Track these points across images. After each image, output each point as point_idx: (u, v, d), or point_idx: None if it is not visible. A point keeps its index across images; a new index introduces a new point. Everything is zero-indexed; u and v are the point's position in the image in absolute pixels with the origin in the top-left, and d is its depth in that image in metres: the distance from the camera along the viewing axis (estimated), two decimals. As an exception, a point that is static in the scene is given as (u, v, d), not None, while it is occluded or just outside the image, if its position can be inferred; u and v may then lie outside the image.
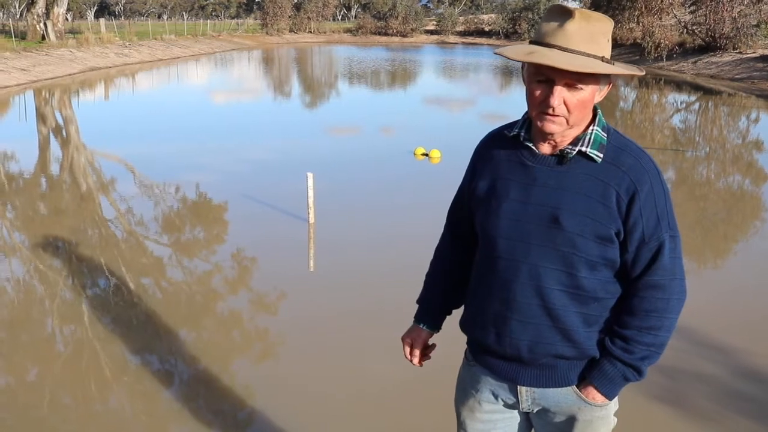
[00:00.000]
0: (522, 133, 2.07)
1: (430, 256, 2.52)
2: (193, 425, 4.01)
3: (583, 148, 1.98)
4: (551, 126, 1.95)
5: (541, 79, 1.93)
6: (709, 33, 34.71)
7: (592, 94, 1.94)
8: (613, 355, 2.05)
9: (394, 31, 73.86)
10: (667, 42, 36.08)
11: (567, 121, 1.95)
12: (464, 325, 2.29)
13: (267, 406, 4.20)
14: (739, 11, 33.60)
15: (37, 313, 5.62)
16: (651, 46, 36.35)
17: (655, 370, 4.41)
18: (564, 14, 1.90)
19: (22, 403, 4.25)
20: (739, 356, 4.84)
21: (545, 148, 2.04)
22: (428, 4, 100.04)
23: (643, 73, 2.19)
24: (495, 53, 2.14)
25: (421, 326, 2.45)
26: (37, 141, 14.75)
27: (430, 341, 2.48)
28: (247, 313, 5.73)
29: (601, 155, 1.98)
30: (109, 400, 4.28)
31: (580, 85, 1.91)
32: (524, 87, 2.01)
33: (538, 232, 2.00)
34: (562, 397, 2.13)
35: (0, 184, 10.10)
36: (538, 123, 1.97)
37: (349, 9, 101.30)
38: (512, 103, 22.87)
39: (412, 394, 4.29)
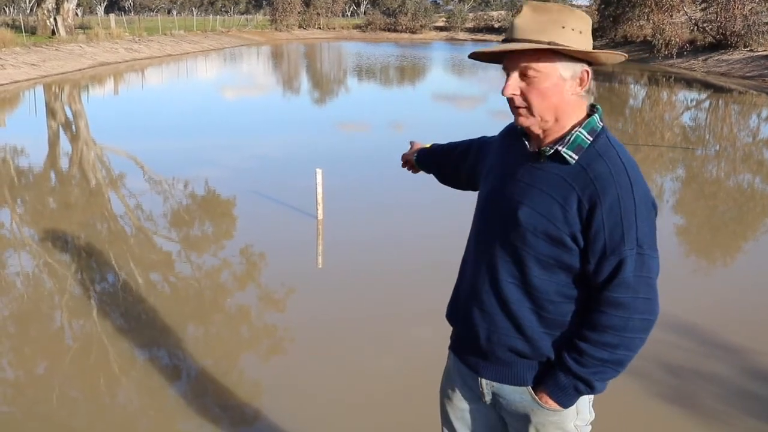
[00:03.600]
0: (522, 128, 2.10)
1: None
2: (200, 420, 4.01)
3: (560, 148, 1.95)
4: (521, 119, 1.98)
5: (506, 73, 1.96)
6: (720, 30, 34.52)
7: (553, 85, 1.92)
8: (566, 366, 2.01)
9: (404, 27, 73.79)
10: (677, 39, 35.89)
11: (531, 113, 1.95)
12: (447, 310, 2.33)
13: (274, 403, 4.20)
14: (751, 9, 33.40)
15: (46, 308, 5.64)
16: (661, 44, 36.18)
17: (661, 368, 4.43)
18: (515, 12, 1.96)
19: (31, 397, 4.27)
20: (746, 355, 4.81)
21: (532, 144, 2.05)
22: (438, 1, 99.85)
23: (623, 57, 2.08)
24: (468, 56, 2.20)
25: (415, 154, 2.82)
26: (47, 136, 14.79)
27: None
28: (255, 310, 5.74)
29: (576, 157, 1.94)
30: (117, 395, 4.29)
31: (530, 72, 1.90)
32: None
33: (500, 224, 2.05)
34: (517, 396, 2.13)
35: (10, 179, 10.14)
36: (514, 117, 2.02)
37: (358, 5, 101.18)
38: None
39: (417, 393, 4.28)
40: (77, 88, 23.04)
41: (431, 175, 2.79)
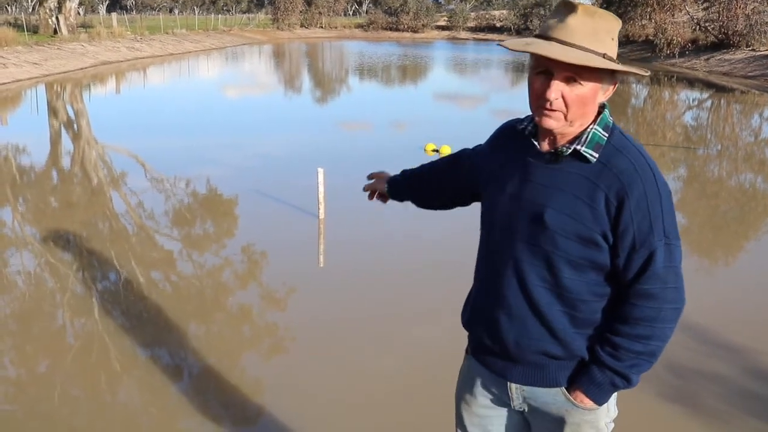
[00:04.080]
0: (529, 128, 2.07)
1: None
2: (202, 419, 4.02)
3: (579, 147, 1.94)
4: (549, 121, 1.92)
5: (541, 71, 1.91)
6: (722, 30, 34.50)
7: (592, 91, 1.91)
8: (601, 361, 2.01)
9: (405, 26, 73.77)
10: (679, 39, 35.87)
11: (565, 117, 1.91)
12: (462, 318, 2.30)
13: (276, 401, 4.20)
14: (753, 8, 33.39)
15: (48, 306, 5.64)
16: (663, 43, 36.16)
17: (663, 368, 4.42)
18: (567, 9, 1.89)
19: (32, 395, 4.27)
20: (749, 355, 4.81)
21: (545, 145, 2.01)
22: (439, 0, 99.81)
23: (648, 74, 2.16)
24: (497, 44, 2.14)
25: (385, 184, 2.72)
26: (49, 134, 14.80)
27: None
28: (256, 308, 5.74)
29: (596, 155, 1.93)
30: (118, 394, 4.29)
31: (579, 80, 1.88)
32: None
33: (524, 228, 2.00)
34: (550, 398, 2.11)
35: (12, 177, 10.14)
36: (537, 118, 1.96)
37: (360, 4, 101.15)
38: (523, 100, 22.82)
39: (418, 392, 4.28)
40: (79, 87, 23.05)
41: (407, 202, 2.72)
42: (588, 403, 2.06)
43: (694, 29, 38.04)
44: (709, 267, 7.06)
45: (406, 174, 2.66)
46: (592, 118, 1.97)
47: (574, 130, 1.96)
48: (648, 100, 23.73)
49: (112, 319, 5.32)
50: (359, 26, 78.20)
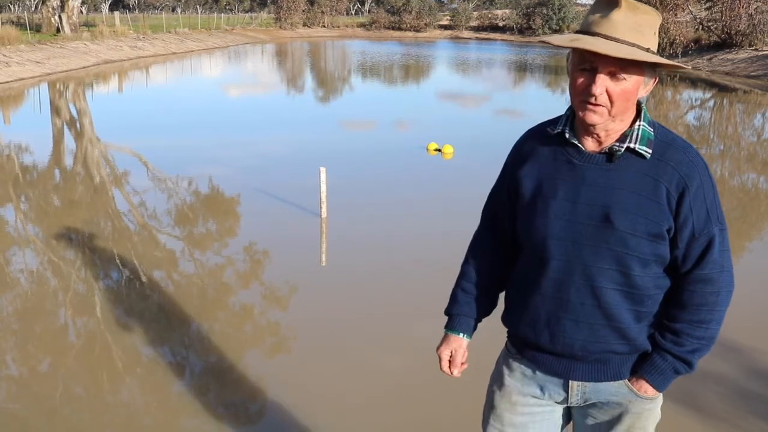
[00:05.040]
0: (567, 130, 2.04)
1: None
2: (204, 418, 4.02)
3: (632, 145, 1.95)
4: (592, 116, 1.92)
5: (585, 68, 1.91)
6: (725, 29, 34.48)
7: (635, 85, 1.92)
8: (664, 348, 2.05)
9: (408, 26, 73.72)
10: (682, 38, 35.81)
11: (609, 112, 1.92)
12: (509, 321, 2.26)
13: (278, 400, 4.20)
14: (756, 8, 33.36)
15: (50, 305, 5.64)
16: (666, 43, 36.08)
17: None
18: (610, 4, 1.90)
19: (35, 393, 4.28)
20: (752, 355, 4.80)
21: (591, 145, 2.01)
22: (442, 0, 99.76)
23: (689, 67, 2.18)
24: (540, 41, 2.14)
25: (460, 335, 2.31)
26: (52, 133, 14.81)
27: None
28: (258, 307, 5.74)
29: (650, 151, 1.95)
30: (121, 392, 4.29)
31: (623, 75, 1.89)
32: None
33: (590, 231, 1.98)
34: (613, 390, 2.12)
35: (14, 176, 10.15)
36: (580, 113, 1.95)
37: (362, 3, 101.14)
38: (526, 100, 22.82)
39: (423, 390, 4.28)
40: (82, 86, 23.07)
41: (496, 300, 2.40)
42: (651, 391, 2.10)
43: (697, 29, 38.01)
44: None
45: (469, 303, 2.33)
46: (633, 113, 1.99)
47: (615, 126, 1.97)
48: (651, 99, 23.69)
49: (115, 318, 5.32)
50: (362, 25, 78.17)
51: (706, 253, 1.97)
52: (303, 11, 71.90)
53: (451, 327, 2.33)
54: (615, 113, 1.92)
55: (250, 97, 22.11)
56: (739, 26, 33.37)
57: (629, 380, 2.11)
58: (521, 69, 34.29)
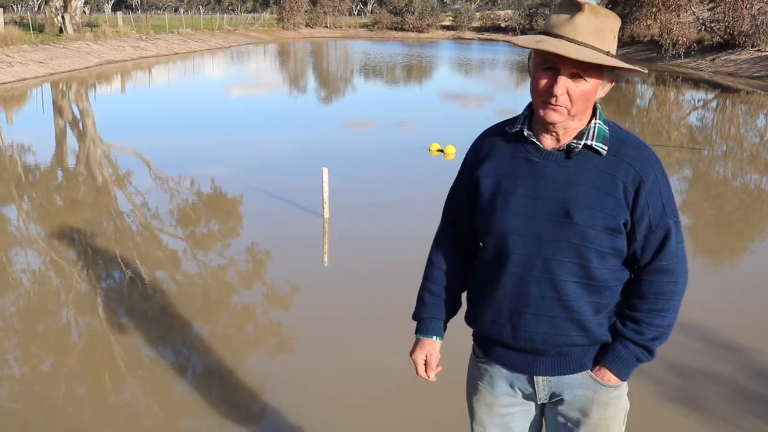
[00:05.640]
0: (525, 128, 2.09)
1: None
2: (206, 418, 4.02)
3: (589, 142, 2.02)
4: (553, 115, 1.98)
5: (547, 68, 1.97)
6: (728, 30, 34.41)
7: (594, 87, 1.99)
8: (625, 337, 2.11)
9: (410, 26, 73.80)
10: (684, 39, 35.78)
11: (568, 112, 1.98)
12: (472, 320, 2.29)
13: (280, 401, 4.20)
14: (759, 8, 33.29)
15: (53, 305, 5.65)
16: (668, 44, 36.08)
17: (668, 370, 4.42)
18: (574, 7, 1.96)
19: (37, 393, 4.28)
20: (754, 356, 4.79)
21: (549, 143, 2.06)
22: (444, 0, 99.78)
23: (646, 71, 2.24)
24: (505, 41, 2.20)
25: (433, 338, 2.38)
26: (54, 133, 14.83)
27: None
28: (261, 308, 5.74)
29: (606, 148, 2.02)
30: (122, 392, 4.29)
31: (584, 77, 1.95)
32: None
33: (550, 226, 2.03)
34: (577, 382, 2.17)
35: (17, 176, 10.16)
36: (541, 111, 2.01)
37: (365, 4, 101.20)
38: (528, 100, 22.81)
39: (424, 390, 4.27)
40: (84, 86, 23.09)
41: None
42: (614, 379, 2.14)
43: (700, 29, 37.95)
44: (714, 267, 7.04)
45: (438, 305, 2.38)
46: (590, 113, 2.07)
47: (573, 125, 2.03)
48: (653, 100, 23.68)
49: (117, 318, 5.33)
50: (364, 26, 78.24)
51: (663, 245, 2.05)
52: (305, 12, 72.00)
53: (423, 331, 2.40)
54: (574, 113, 1.99)
55: (253, 97, 22.13)
56: (741, 27, 33.31)
57: (592, 370, 2.15)
58: (523, 69, 34.26)
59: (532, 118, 2.10)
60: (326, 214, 7.77)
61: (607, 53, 1.95)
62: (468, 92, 24.92)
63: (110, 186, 9.94)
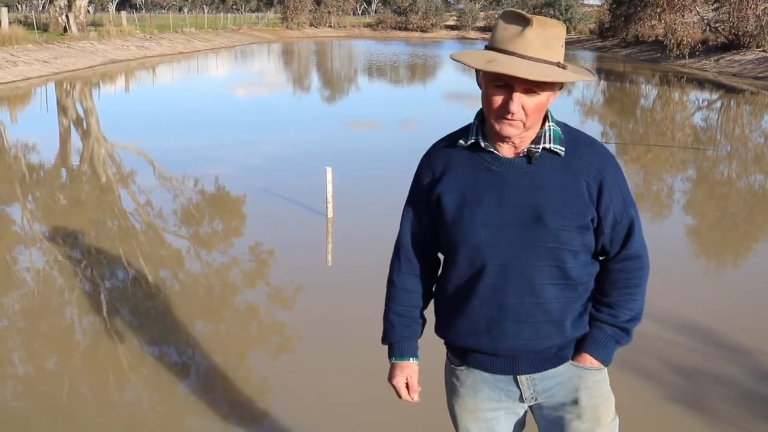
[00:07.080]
0: (480, 139, 2.09)
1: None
2: (209, 417, 4.02)
3: (547, 145, 2.05)
4: (509, 129, 1.99)
5: (500, 85, 1.96)
6: (733, 31, 34.30)
7: (548, 98, 2.01)
8: (601, 321, 2.16)
9: (414, 26, 73.72)
10: (689, 40, 35.67)
11: (524, 125, 1.99)
12: (445, 332, 2.27)
13: (283, 400, 4.20)
14: (764, 9, 33.18)
15: (56, 304, 5.66)
16: (673, 44, 35.96)
17: (670, 370, 4.42)
18: (522, 21, 1.95)
19: (40, 392, 4.29)
20: (757, 357, 4.78)
21: (507, 151, 2.07)
22: (449, 0, 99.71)
23: (594, 77, 2.27)
24: (451, 57, 2.16)
25: (410, 360, 2.36)
26: (58, 132, 14.86)
27: None
28: (264, 307, 5.75)
29: (563, 149, 2.06)
30: (126, 391, 4.30)
31: (537, 91, 1.96)
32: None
33: (522, 233, 2.04)
34: (560, 374, 2.19)
35: (21, 175, 10.18)
36: (496, 126, 2.01)
37: (369, 4, 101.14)
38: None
39: (425, 390, 4.27)
40: (88, 85, 23.13)
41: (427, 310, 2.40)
42: (596, 363, 2.18)
43: (704, 30, 37.84)
44: (718, 268, 7.03)
45: (410, 326, 2.36)
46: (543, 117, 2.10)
47: (528, 133, 2.05)
48: (657, 100, 23.64)
49: (120, 317, 5.34)
50: (368, 25, 78.21)
51: (630, 235, 2.12)
52: (309, 11, 71.94)
53: (398, 354, 2.36)
54: (530, 125, 2.01)
55: (256, 97, 22.13)
56: (746, 27, 33.19)
57: (573, 359, 2.18)
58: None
59: (484, 126, 2.10)
60: (330, 214, 7.77)
61: (557, 64, 1.96)
62: (472, 92, 24.82)
63: (114, 185, 9.96)
